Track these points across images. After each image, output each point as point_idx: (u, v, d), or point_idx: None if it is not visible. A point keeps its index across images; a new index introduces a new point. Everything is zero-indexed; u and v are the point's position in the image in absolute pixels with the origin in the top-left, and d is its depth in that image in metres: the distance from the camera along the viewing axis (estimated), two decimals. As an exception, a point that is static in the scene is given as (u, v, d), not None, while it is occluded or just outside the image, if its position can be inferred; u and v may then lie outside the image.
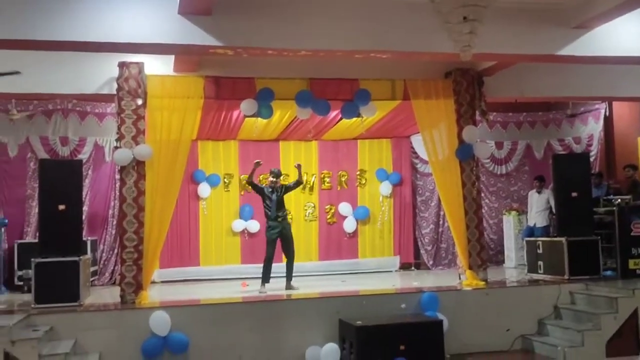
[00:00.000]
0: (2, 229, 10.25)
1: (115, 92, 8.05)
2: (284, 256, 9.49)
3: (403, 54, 7.88)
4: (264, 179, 11.71)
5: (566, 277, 8.53)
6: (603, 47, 8.04)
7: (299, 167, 9.66)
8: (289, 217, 9.38)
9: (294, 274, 9.31)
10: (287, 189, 9.57)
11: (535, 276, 9.17)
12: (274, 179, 9.40)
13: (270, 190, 9.36)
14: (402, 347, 6.69)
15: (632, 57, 8.27)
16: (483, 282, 8.63)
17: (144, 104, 8.06)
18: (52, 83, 8.21)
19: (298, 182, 9.69)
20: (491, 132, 12.79)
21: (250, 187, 9.69)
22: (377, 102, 8.96)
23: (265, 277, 9.13)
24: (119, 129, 8.01)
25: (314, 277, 9.52)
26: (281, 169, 11.66)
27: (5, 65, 7.64)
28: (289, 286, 9.10)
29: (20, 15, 6.50)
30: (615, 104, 12.49)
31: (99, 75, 8.25)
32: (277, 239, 9.28)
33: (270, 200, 9.28)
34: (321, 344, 7.21)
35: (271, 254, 9.25)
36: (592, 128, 13.09)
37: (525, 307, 8.08)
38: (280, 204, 9.30)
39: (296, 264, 9.50)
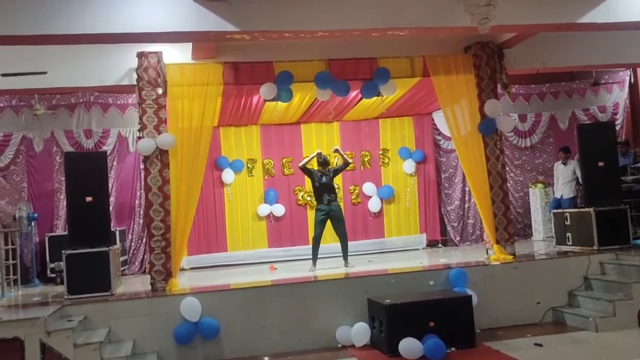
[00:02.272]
0: (33, 223, 10.44)
1: (135, 83, 8.10)
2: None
3: (420, 30, 7.79)
4: (287, 163, 11.80)
5: (595, 247, 8.44)
6: (625, 12, 7.87)
7: (337, 151, 9.88)
8: (338, 199, 9.47)
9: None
10: (336, 171, 9.67)
11: (563, 248, 9.10)
12: (322, 167, 9.53)
13: (319, 174, 9.47)
14: (431, 324, 6.68)
15: (655, 22, 8.09)
16: (511, 256, 8.58)
17: (164, 93, 8.10)
18: (73, 77, 8.29)
19: (346, 164, 9.85)
20: (514, 105, 12.64)
21: (303, 171, 9.78)
22: (397, 79, 8.89)
23: (314, 257, 9.30)
24: (140, 119, 8.06)
25: (341, 258, 9.53)
26: (304, 152, 11.78)
27: (26, 61, 7.76)
28: (346, 264, 9.24)
29: (38, 11, 6.57)
30: (640, 70, 12.27)
31: (119, 66, 8.30)
32: (325, 220, 9.39)
33: (320, 183, 9.39)
34: (351, 324, 7.25)
35: (317, 234, 9.40)
36: (617, 96, 12.89)
37: (554, 280, 8.03)
38: (330, 187, 9.42)
39: (323, 245, 9.53)
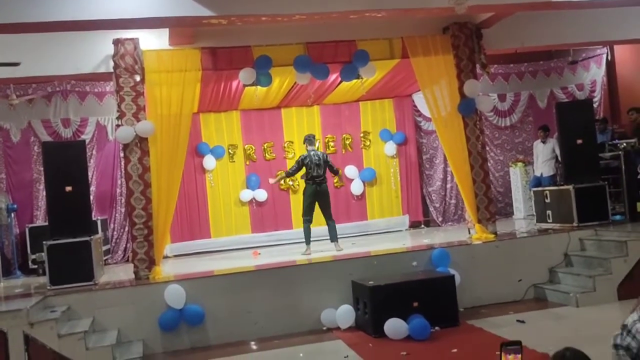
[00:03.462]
0: (12, 214, 10.34)
1: (112, 70, 8.01)
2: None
3: (398, 12, 7.78)
4: (269, 148, 11.77)
5: (575, 224, 8.55)
6: (601, -10, 7.92)
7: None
8: (325, 183, 9.42)
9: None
10: (327, 162, 9.48)
11: (544, 225, 9.21)
12: (311, 146, 9.51)
13: (307, 159, 9.34)
14: (415, 304, 6.74)
15: (631, -1, 8.15)
16: (493, 235, 8.66)
17: (142, 80, 8.02)
18: (48, 65, 8.16)
19: (337, 172, 9.89)
20: (493, 85, 12.69)
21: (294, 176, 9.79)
22: (376, 62, 8.88)
23: (307, 239, 9.31)
24: (119, 106, 7.98)
25: (325, 241, 9.56)
26: (285, 136, 11.77)
27: (0, 52, 7.63)
28: (336, 247, 9.25)
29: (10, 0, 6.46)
30: (617, 47, 12.37)
31: (95, 53, 8.18)
32: (313, 201, 9.36)
33: (312, 162, 9.30)
34: (336, 306, 7.29)
35: (306, 215, 9.38)
36: (594, 74, 13.01)
37: (535, 257, 8.13)
38: (318, 168, 9.29)
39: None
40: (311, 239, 9.38)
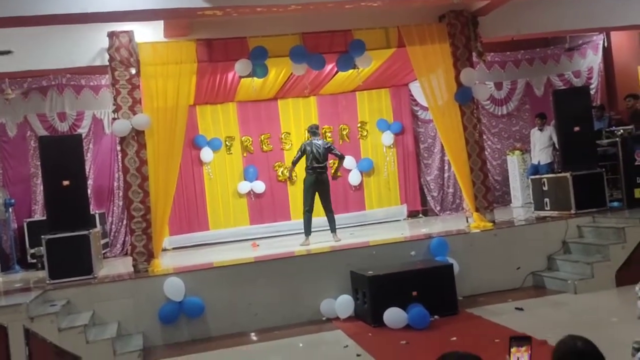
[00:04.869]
0: (10, 209, 10.32)
1: (107, 63, 7.98)
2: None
3: (394, 1, 7.77)
4: (266, 139, 11.76)
5: (573, 211, 8.57)
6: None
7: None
8: (325, 173, 9.41)
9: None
10: (330, 149, 9.49)
11: (542, 213, 9.22)
12: (314, 136, 9.48)
13: (308, 147, 9.33)
14: (414, 294, 6.75)
15: (627, -16, 8.12)
16: (491, 224, 8.67)
17: (138, 73, 8.00)
18: (43, 59, 8.12)
19: (342, 157, 9.81)
20: (490, 73, 12.69)
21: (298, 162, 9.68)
22: (372, 51, 8.84)
23: (306, 230, 9.29)
24: (115, 100, 7.95)
25: (323, 232, 9.56)
26: (282, 127, 11.76)
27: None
28: (334, 238, 9.22)
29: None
30: (613, 34, 12.34)
31: (90, 47, 8.13)
32: (313, 191, 9.33)
33: (312, 151, 9.27)
34: (335, 296, 7.31)
35: (306, 205, 9.35)
36: (591, 60, 12.99)
37: (534, 245, 8.15)
38: (318, 157, 9.27)
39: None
40: (311, 230, 9.36)
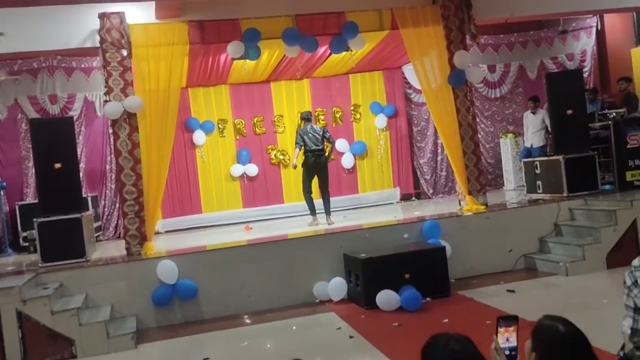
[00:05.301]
0: (2, 192, 10.28)
1: (98, 45, 7.90)
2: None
3: (387, -18, 7.70)
4: (258, 122, 11.73)
5: (565, 194, 8.60)
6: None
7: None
8: (324, 156, 9.48)
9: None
10: (325, 134, 9.49)
11: (534, 196, 9.25)
12: (308, 122, 9.50)
13: (310, 132, 9.35)
14: (407, 276, 6.78)
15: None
16: (483, 206, 8.69)
17: (129, 55, 7.93)
18: (34, 40, 8.02)
19: (334, 142, 9.81)
20: (483, 56, 12.67)
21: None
22: (366, 33, 8.79)
23: (311, 210, 9.39)
24: (106, 82, 7.88)
25: (317, 215, 9.58)
26: (275, 110, 11.72)
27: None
28: (328, 221, 9.25)
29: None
30: (606, 16, 12.32)
31: (81, 28, 8.04)
32: (313, 174, 9.44)
33: (308, 137, 9.32)
34: (328, 279, 7.33)
35: (306, 188, 9.43)
36: (584, 43, 12.98)
37: (526, 227, 8.18)
38: (316, 142, 9.33)
39: (297, 204, 9.54)
40: (315, 211, 9.41)
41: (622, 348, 2.79)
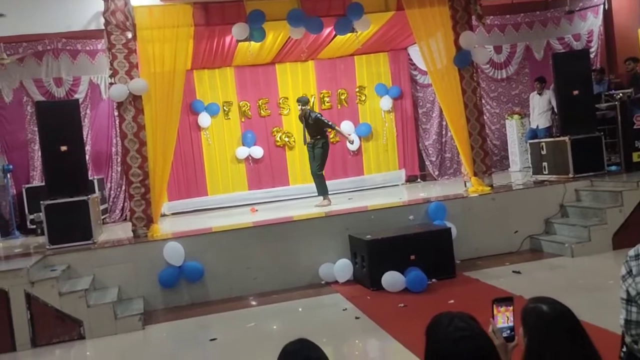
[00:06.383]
0: (8, 175, 10.32)
1: (103, 27, 7.88)
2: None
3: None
4: (263, 104, 11.71)
5: (571, 175, 8.57)
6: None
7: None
8: (321, 140, 9.56)
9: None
10: (317, 119, 9.50)
11: (540, 177, 9.22)
12: (303, 107, 9.57)
13: (302, 118, 9.56)
14: (412, 257, 6.80)
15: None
16: (489, 188, 8.69)
17: (134, 37, 7.91)
18: (38, 23, 8.05)
19: (331, 126, 9.73)
20: (489, 37, 12.56)
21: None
22: (371, 14, 8.75)
23: (325, 190, 9.56)
24: (111, 64, 7.87)
25: (318, 198, 9.59)
26: (280, 93, 11.70)
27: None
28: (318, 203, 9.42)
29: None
30: (614, -4, 12.20)
31: (85, 10, 8.07)
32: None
33: (304, 122, 9.54)
34: (334, 261, 7.36)
35: (321, 167, 9.60)
36: (591, 23, 12.87)
37: (531, 209, 8.18)
38: (311, 129, 9.50)
39: (303, 186, 9.55)
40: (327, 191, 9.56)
41: (623, 344, 2.71)
